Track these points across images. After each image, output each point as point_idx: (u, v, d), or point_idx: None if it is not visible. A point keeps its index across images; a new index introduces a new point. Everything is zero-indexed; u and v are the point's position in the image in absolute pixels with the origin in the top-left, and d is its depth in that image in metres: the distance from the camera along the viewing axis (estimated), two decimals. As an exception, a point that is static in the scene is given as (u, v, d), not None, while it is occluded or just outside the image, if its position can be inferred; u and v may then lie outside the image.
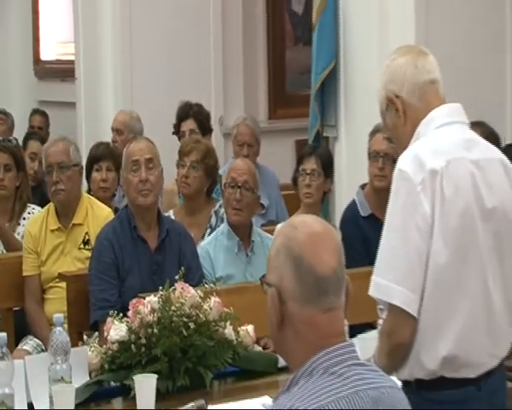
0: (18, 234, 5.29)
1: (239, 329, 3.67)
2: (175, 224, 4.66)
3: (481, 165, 2.88)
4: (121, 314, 3.55)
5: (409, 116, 2.94)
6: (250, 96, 8.07)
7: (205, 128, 6.38)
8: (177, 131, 6.37)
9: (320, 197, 5.26)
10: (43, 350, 4.50)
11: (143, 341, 3.46)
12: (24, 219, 5.35)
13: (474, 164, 2.87)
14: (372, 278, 2.86)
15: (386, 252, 2.85)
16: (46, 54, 9.52)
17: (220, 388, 3.61)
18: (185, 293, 3.55)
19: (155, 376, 3.31)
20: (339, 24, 5.75)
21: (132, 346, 3.46)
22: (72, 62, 7.92)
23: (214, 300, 3.61)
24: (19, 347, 4.75)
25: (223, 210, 5.01)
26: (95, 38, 7.45)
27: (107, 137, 6.50)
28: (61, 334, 3.26)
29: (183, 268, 3.78)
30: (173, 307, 3.50)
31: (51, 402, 3.22)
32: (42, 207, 5.30)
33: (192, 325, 3.50)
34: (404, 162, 2.85)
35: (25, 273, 4.92)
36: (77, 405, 3.23)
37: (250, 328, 3.71)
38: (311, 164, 5.18)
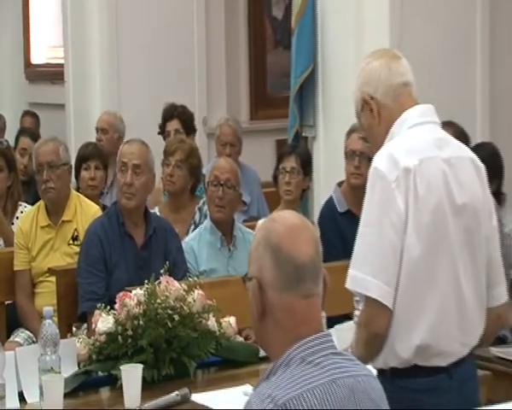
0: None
1: (221, 320, 3.67)
2: (162, 221, 4.65)
3: (452, 163, 2.89)
4: (108, 307, 3.55)
5: (383, 117, 2.94)
6: (232, 98, 8.07)
7: (189, 128, 6.38)
8: (163, 131, 6.37)
9: (299, 194, 5.27)
10: (33, 342, 4.49)
11: (130, 332, 3.45)
12: (17, 218, 5.34)
13: (446, 162, 2.88)
14: (349, 271, 2.86)
15: (362, 247, 2.85)
16: (36, 58, 9.50)
17: (203, 377, 3.61)
18: (170, 286, 3.55)
19: (141, 366, 3.31)
20: (317, 29, 5.75)
21: (119, 337, 3.46)
22: (61, 66, 7.90)
23: (198, 293, 3.61)
24: (10, 339, 4.75)
25: (206, 207, 5.01)
26: (83, 43, 7.44)
27: (95, 137, 6.49)
28: (50, 326, 3.25)
29: (167, 263, 3.78)
30: (158, 300, 3.50)
31: (41, 392, 3.21)
32: (34, 202, 5.29)
33: (176, 317, 3.50)
34: (379, 161, 2.85)
35: (16, 268, 4.91)
36: (66, 394, 3.23)
37: (232, 320, 3.71)
38: (290, 162, 5.18)
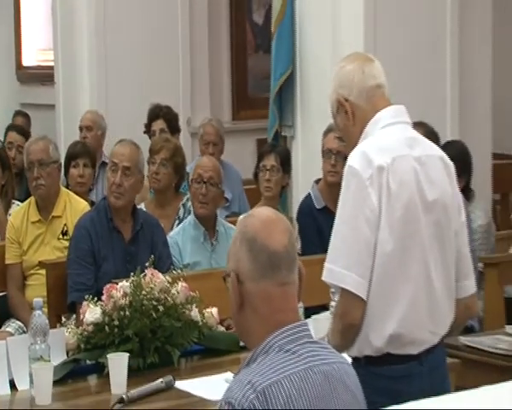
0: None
1: (204, 311, 3.67)
2: (149, 217, 4.64)
3: (423, 161, 2.89)
4: (96, 298, 3.54)
5: (357, 117, 2.94)
6: (215, 99, 8.06)
7: (173, 128, 6.38)
8: (148, 130, 6.36)
9: (279, 191, 5.27)
10: (24, 332, 4.47)
11: (116, 322, 3.44)
12: (9, 215, 5.32)
13: (417, 160, 2.88)
14: (325, 264, 2.86)
15: (338, 241, 2.85)
16: (27, 60, 9.47)
17: (187, 365, 3.61)
18: (155, 279, 3.55)
19: (127, 354, 3.30)
20: (295, 34, 5.76)
21: (106, 327, 3.45)
22: (51, 68, 7.87)
23: (181, 285, 3.60)
24: (2, 329, 4.73)
25: (190, 203, 5.00)
26: (72, 46, 7.42)
27: (80, 135, 6.48)
28: (40, 317, 3.25)
29: (152, 256, 3.77)
30: (144, 292, 3.49)
31: (31, 379, 3.21)
32: (26, 196, 5.28)
33: (161, 308, 3.49)
34: (354, 159, 2.86)
35: (7, 261, 4.89)
36: (55, 381, 3.22)
37: (214, 310, 3.71)
38: (270, 161, 5.18)
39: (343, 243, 2.83)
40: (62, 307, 4.36)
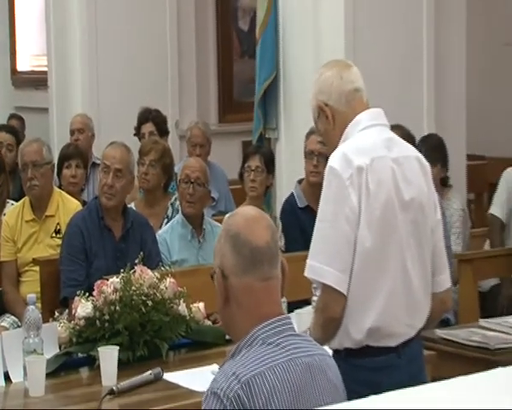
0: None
1: (191, 306, 3.66)
2: (138, 216, 4.64)
3: (400, 162, 2.90)
4: (87, 294, 3.53)
5: (337, 121, 2.94)
6: (202, 103, 8.05)
7: (162, 130, 6.37)
8: (138, 133, 6.35)
9: (263, 191, 5.27)
10: (18, 326, 4.46)
11: (107, 317, 3.44)
12: (4, 214, 5.30)
13: (394, 161, 2.89)
14: (307, 261, 2.86)
15: (319, 238, 2.85)
16: (22, 65, 9.45)
17: (175, 358, 3.60)
18: (144, 275, 3.54)
19: (117, 348, 3.29)
20: (279, 40, 5.76)
21: (97, 322, 3.44)
22: (44, 73, 7.86)
23: (169, 280, 3.60)
24: (-3, 323, 4.71)
25: (178, 203, 5.00)
26: (65, 52, 7.40)
27: (71, 138, 6.47)
28: (33, 311, 3.24)
29: (142, 253, 3.76)
30: (133, 287, 3.48)
31: (25, 372, 3.20)
32: (19, 195, 5.26)
33: (150, 303, 3.48)
34: (335, 160, 2.86)
35: (2, 259, 4.87)
36: (48, 374, 3.21)
37: (201, 305, 3.71)
38: (255, 161, 5.18)
39: (324, 240, 2.83)
40: (55, 302, 4.35)
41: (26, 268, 4.86)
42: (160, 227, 5.01)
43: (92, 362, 3.37)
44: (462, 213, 5.43)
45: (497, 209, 5.62)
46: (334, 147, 2.93)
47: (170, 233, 4.78)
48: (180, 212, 4.86)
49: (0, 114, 8.49)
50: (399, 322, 2.88)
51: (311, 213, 4.68)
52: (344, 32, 5.35)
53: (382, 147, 2.89)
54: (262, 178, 5.19)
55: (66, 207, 4.95)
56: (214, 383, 2.14)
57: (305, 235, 4.62)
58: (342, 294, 2.81)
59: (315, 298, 3.05)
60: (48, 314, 3.95)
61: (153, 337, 3.48)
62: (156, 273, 3.60)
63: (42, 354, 3.22)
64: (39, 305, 3.93)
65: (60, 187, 5.43)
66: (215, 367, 3.20)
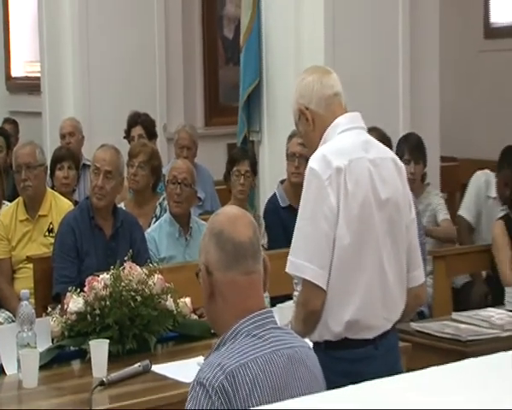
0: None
1: (178, 301, 3.66)
2: (128, 215, 4.62)
3: (377, 163, 2.90)
4: (79, 290, 3.52)
5: (317, 124, 2.94)
6: (189, 107, 8.04)
7: (151, 134, 6.35)
8: (128, 136, 6.33)
9: (248, 192, 5.27)
10: (13, 321, 4.44)
11: (97, 312, 3.43)
12: (-1, 214, 5.28)
13: (371, 162, 2.89)
14: (288, 257, 2.86)
15: (300, 236, 2.85)
16: (16, 71, 9.41)
17: (162, 350, 3.60)
18: (133, 271, 3.53)
19: (107, 341, 3.29)
20: (262, 47, 5.75)
21: (88, 316, 3.43)
22: (38, 79, 7.82)
23: (157, 277, 3.59)
24: (-8, 318, 4.69)
25: (166, 202, 4.99)
26: (57, 58, 7.37)
27: (63, 142, 6.44)
28: (27, 307, 3.23)
29: (131, 251, 3.76)
30: (123, 283, 3.47)
31: (19, 365, 3.19)
32: (11, 193, 5.24)
33: (139, 298, 3.48)
34: (314, 162, 2.86)
35: (-3, 257, 4.86)
36: (41, 366, 3.20)
37: (188, 300, 3.70)
38: (244, 166, 5.16)
39: (304, 237, 2.83)
40: (48, 298, 4.33)
41: (20, 266, 4.85)
42: (149, 226, 5.00)
43: (83, 355, 3.36)
44: (443, 197, 5.49)
45: (465, 211, 5.64)
46: (314, 148, 2.93)
47: (158, 231, 4.77)
48: (168, 211, 4.85)
49: (-5, 119, 8.46)
50: (376, 315, 2.88)
51: (292, 212, 4.67)
52: (324, 41, 5.36)
53: (360, 149, 2.89)
54: (250, 181, 5.20)
55: (58, 207, 4.93)
56: (200, 373, 2.14)
57: (287, 233, 4.60)
58: (322, 289, 2.82)
59: (296, 293, 3.05)
60: (41, 309, 3.94)
61: (141, 331, 3.47)
62: (145, 270, 3.59)
63: (35, 347, 3.21)
64: (33, 301, 3.91)
65: (52, 188, 5.41)
66: (201, 359, 3.19)
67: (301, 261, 2.81)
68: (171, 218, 4.77)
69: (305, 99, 2.94)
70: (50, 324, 3.47)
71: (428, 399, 1.31)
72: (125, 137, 6.32)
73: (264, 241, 4.97)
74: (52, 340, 3.47)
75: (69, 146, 6.13)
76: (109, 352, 3.26)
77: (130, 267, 3.54)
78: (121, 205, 5.06)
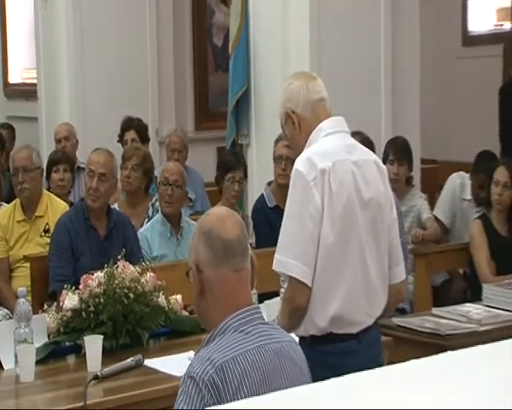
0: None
1: (170, 298, 3.65)
2: (121, 216, 4.61)
3: (360, 165, 2.91)
4: (74, 288, 3.50)
5: (303, 127, 2.94)
6: (180, 112, 8.04)
7: (144, 137, 6.34)
8: (121, 139, 6.32)
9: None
10: (11, 318, 4.42)
11: (92, 308, 3.41)
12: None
13: (355, 164, 2.89)
14: (275, 255, 2.86)
15: (286, 235, 2.85)
16: (13, 78, 9.40)
17: (155, 345, 3.58)
18: (126, 270, 3.52)
19: (101, 337, 3.27)
20: (250, 55, 5.75)
21: (83, 313, 3.42)
22: (34, 85, 7.81)
23: (150, 275, 3.58)
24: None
25: (158, 203, 4.98)
26: (53, 66, 7.36)
27: (59, 146, 6.43)
28: (24, 304, 3.21)
29: (124, 250, 3.75)
30: (116, 281, 3.46)
31: (16, 359, 3.17)
32: (8, 195, 5.22)
33: (132, 295, 3.46)
34: (300, 163, 2.86)
35: (-5, 256, 4.84)
36: (37, 361, 3.18)
37: (179, 297, 3.69)
38: (239, 174, 5.13)
39: (291, 236, 2.83)
40: (44, 295, 4.32)
41: (18, 265, 4.83)
42: (142, 226, 4.99)
43: (78, 350, 3.35)
44: (426, 199, 5.49)
45: (439, 213, 5.65)
46: (300, 150, 2.93)
47: (150, 231, 4.76)
48: (160, 211, 4.84)
49: (-8, 124, 8.43)
50: (359, 311, 2.88)
51: (279, 212, 4.66)
52: (309, 49, 5.36)
53: (343, 151, 2.90)
54: (242, 187, 5.21)
55: (54, 208, 4.92)
56: (190, 367, 2.13)
57: (274, 232, 4.58)
58: (307, 285, 2.81)
59: (283, 290, 3.05)
60: (37, 307, 3.92)
61: (134, 327, 3.46)
62: (137, 268, 3.58)
63: (32, 342, 3.20)
64: (29, 298, 3.91)
65: (48, 189, 5.39)
66: (191, 354, 3.19)
67: (287, 259, 2.81)
68: (162, 218, 4.77)
69: (292, 103, 2.94)
70: (46, 320, 3.46)
71: (409, 390, 1.31)
72: (118, 141, 6.31)
73: (252, 240, 4.97)
74: (48, 336, 3.45)
75: (64, 150, 6.11)
76: (103, 347, 3.25)
77: (124, 266, 3.53)
78: (115, 206, 5.05)
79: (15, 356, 3.17)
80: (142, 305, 3.49)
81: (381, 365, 2.90)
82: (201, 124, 8.31)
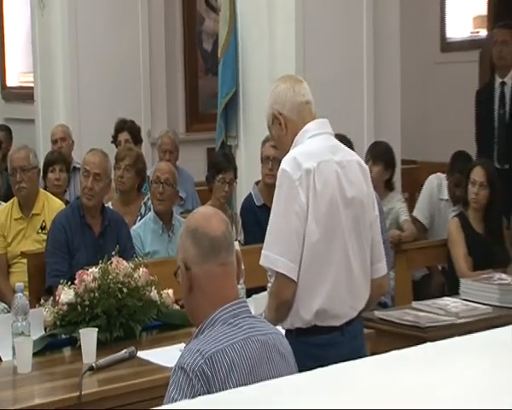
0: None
1: (162, 292, 3.64)
2: (115, 214, 4.60)
3: (343, 165, 2.91)
4: (70, 283, 3.50)
5: (289, 128, 2.94)
6: (172, 114, 8.03)
7: (136, 139, 6.33)
8: (115, 141, 6.30)
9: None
10: (8, 312, 4.41)
11: (87, 302, 3.41)
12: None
13: (338, 164, 2.90)
14: (262, 251, 2.86)
15: (273, 232, 2.85)
16: (11, 81, 9.35)
17: (147, 338, 3.58)
18: (119, 265, 3.51)
19: (96, 329, 3.27)
20: (238, 59, 5.75)
21: (78, 307, 3.41)
22: (31, 88, 7.78)
23: (142, 270, 3.57)
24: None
25: (150, 202, 4.98)
26: (49, 69, 7.34)
27: (55, 147, 6.41)
28: (21, 298, 3.20)
29: (118, 247, 3.74)
30: (110, 276, 3.46)
31: (14, 352, 3.16)
32: (5, 193, 5.21)
33: (125, 290, 3.46)
34: (286, 163, 2.86)
35: (-6, 253, 4.83)
36: (34, 353, 3.18)
37: (170, 292, 3.69)
38: (230, 175, 5.11)
39: (277, 233, 2.83)
40: (41, 290, 4.31)
41: (15, 261, 4.82)
42: (135, 223, 4.99)
43: (74, 342, 3.34)
44: (404, 201, 5.49)
45: (418, 213, 5.66)
46: (286, 151, 2.93)
47: (143, 228, 4.75)
48: (152, 209, 4.83)
49: (-10, 126, 8.40)
50: (343, 304, 2.89)
51: (267, 210, 4.63)
52: (295, 53, 5.36)
53: (328, 152, 2.90)
54: (232, 187, 5.20)
55: (50, 206, 4.91)
56: (181, 359, 2.13)
57: (261, 229, 4.57)
58: (293, 280, 2.82)
59: (269, 284, 3.05)
60: (34, 301, 3.91)
61: (128, 320, 3.45)
62: (130, 264, 3.58)
63: (29, 335, 3.19)
64: (27, 293, 3.88)
65: (45, 188, 5.38)
66: (182, 346, 3.18)
67: (274, 255, 2.81)
68: (155, 216, 4.76)
69: (279, 105, 2.94)
70: (43, 314, 3.45)
71: (390, 379, 1.32)
72: (112, 142, 6.30)
73: (241, 237, 4.97)
74: (45, 329, 3.44)
75: (60, 150, 6.10)
76: (98, 339, 3.24)
77: (117, 262, 3.53)
78: (109, 204, 5.04)
79: (13, 348, 3.16)
80: (135, 299, 3.48)
81: (363, 356, 2.90)
82: (192, 126, 8.30)
